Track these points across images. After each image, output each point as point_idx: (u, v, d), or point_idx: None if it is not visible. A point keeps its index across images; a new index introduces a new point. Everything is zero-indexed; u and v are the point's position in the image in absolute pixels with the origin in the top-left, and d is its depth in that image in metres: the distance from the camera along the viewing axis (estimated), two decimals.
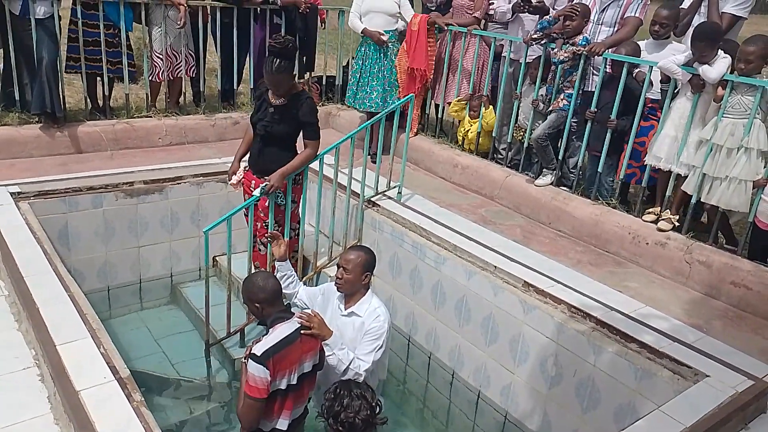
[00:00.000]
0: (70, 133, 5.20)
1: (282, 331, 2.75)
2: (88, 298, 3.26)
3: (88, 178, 4.56)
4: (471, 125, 5.44)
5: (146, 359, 4.01)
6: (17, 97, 5.12)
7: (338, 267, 3.19)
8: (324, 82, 7.01)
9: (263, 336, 2.77)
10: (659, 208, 4.21)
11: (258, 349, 2.64)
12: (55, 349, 2.68)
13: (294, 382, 2.78)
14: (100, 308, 3.68)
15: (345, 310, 3.20)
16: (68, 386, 2.48)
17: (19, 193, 4.19)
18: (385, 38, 5.49)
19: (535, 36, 4.71)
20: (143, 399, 2.52)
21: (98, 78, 5.51)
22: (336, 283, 3.20)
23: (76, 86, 6.03)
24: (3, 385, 2.64)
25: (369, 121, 4.60)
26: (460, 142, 5.57)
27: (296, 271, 4.28)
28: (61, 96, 5.14)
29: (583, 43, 4.50)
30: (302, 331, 2.79)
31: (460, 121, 5.61)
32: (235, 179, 4.09)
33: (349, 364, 2.95)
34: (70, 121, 5.28)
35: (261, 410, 2.70)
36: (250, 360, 2.64)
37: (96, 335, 2.84)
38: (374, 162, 4.62)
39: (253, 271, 3.94)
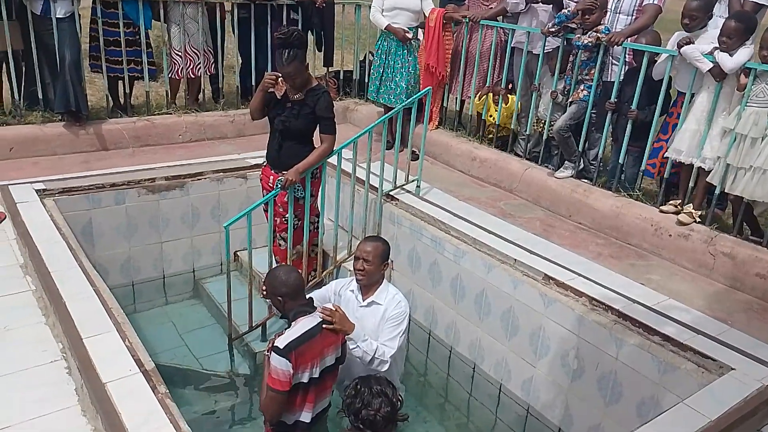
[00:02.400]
0: (93, 131, 5.27)
1: (304, 324, 2.77)
2: (113, 293, 3.31)
3: (111, 174, 4.62)
4: (496, 110, 5.40)
5: (170, 353, 4.06)
6: (40, 96, 5.21)
7: (357, 259, 3.23)
8: (341, 77, 7.01)
9: (286, 329, 2.79)
10: (680, 201, 4.16)
11: (281, 342, 2.66)
12: (82, 343, 2.73)
13: (316, 375, 2.80)
14: (125, 303, 3.73)
15: (364, 300, 3.22)
16: (95, 379, 2.52)
17: (44, 190, 4.25)
18: (409, 35, 5.47)
19: (553, 29, 4.68)
20: (168, 391, 2.56)
21: (119, 77, 5.58)
22: (357, 275, 3.23)
23: (97, 84, 6.11)
24: (31, 377, 2.69)
25: (386, 115, 4.60)
26: (488, 123, 5.51)
27: (316, 266, 4.34)
28: (85, 94, 5.21)
29: (605, 32, 4.46)
30: (324, 326, 2.81)
31: (484, 108, 5.56)
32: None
33: (374, 354, 2.97)
34: (92, 119, 5.35)
35: (283, 402, 2.72)
36: (272, 353, 2.66)
37: (121, 329, 2.88)
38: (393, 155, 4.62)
39: (273, 265, 3.97)
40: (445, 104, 5.93)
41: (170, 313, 4.70)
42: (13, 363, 2.76)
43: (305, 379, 2.76)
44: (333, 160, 4.09)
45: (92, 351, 2.68)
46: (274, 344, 2.68)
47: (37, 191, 4.21)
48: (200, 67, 5.84)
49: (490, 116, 5.47)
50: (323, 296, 3.35)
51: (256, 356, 4.04)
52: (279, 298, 2.86)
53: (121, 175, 4.64)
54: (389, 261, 3.30)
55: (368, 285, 3.24)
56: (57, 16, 4.92)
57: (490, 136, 5.55)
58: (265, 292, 3.02)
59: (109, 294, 3.24)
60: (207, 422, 3.53)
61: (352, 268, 4.40)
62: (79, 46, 5.14)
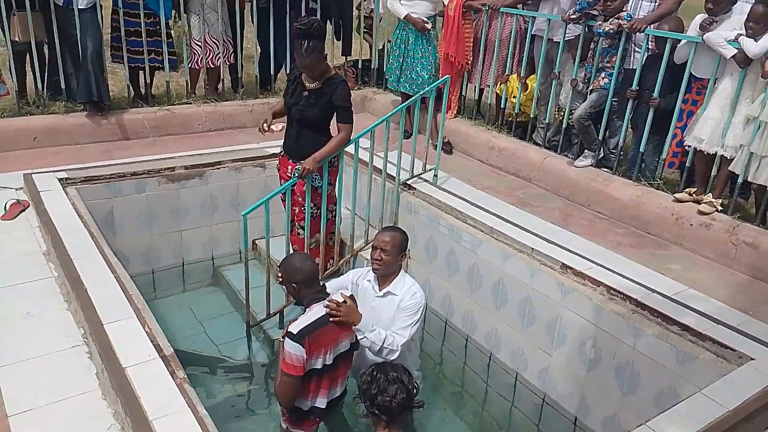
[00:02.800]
0: (114, 121, 5.34)
1: (318, 311, 2.78)
2: (134, 281, 3.37)
3: (132, 164, 4.68)
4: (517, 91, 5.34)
5: (189, 339, 4.11)
6: (63, 86, 5.28)
7: (374, 249, 3.19)
8: (360, 66, 7.00)
9: (300, 315, 2.82)
10: (697, 189, 4.09)
11: (294, 328, 2.69)
12: (103, 328, 2.78)
13: (330, 362, 2.82)
14: (145, 290, 3.78)
15: (380, 291, 3.22)
16: (115, 363, 2.57)
17: (66, 179, 4.32)
18: (429, 26, 5.43)
19: (574, 16, 4.62)
20: (186, 376, 2.60)
21: (140, 67, 5.64)
22: (374, 264, 3.21)
23: (119, 75, 6.18)
24: (54, 362, 2.75)
25: (404, 104, 4.59)
26: (512, 104, 5.46)
27: (334, 255, 4.35)
28: (106, 84, 5.28)
29: (627, 18, 4.39)
30: (330, 320, 2.77)
31: (504, 92, 5.51)
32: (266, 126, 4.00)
33: (383, 343, 2.95)
34: (114, 109, 5.42)
35: (297, 388, 2.75)
36: (286, 338, 2.69)
37: (141, 315, 2.93)
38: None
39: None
40: (463, 93, 5.89)
41: (189, 300, 4.76)
42: (36, 348, 2.82)
43: (319, 366, 2.78)
44: (350, 149, 4.09)
45: (113, 336, 2.73)
46: (288, 330, 2.70)
47: (60, 180, 4.29)
48: (220, 57, 5.87)
49: (513, 97, 5.39)
50: (340, 285, 3.35)
51: (273, 343, 4.08)
52: (294, 285, 2.88)
53: (142, 164, 4.69)
54: (407, 252, 3.27)
55: (385, 275, 3.22)
56: (79, 7, 4.98)
57: (509, 119, 5.48)
58: (280, 279, 3.04)
59: (130, 281, 3.30)
60: (225, 407, 3.58)
61: (369, 258, 4.43)
62: (101, 36, 5.21)
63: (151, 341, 2.74)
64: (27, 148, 4.98)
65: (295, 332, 2.67)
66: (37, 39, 5.11)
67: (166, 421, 2.29)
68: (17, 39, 5.05)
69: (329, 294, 2.92)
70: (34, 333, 2.93)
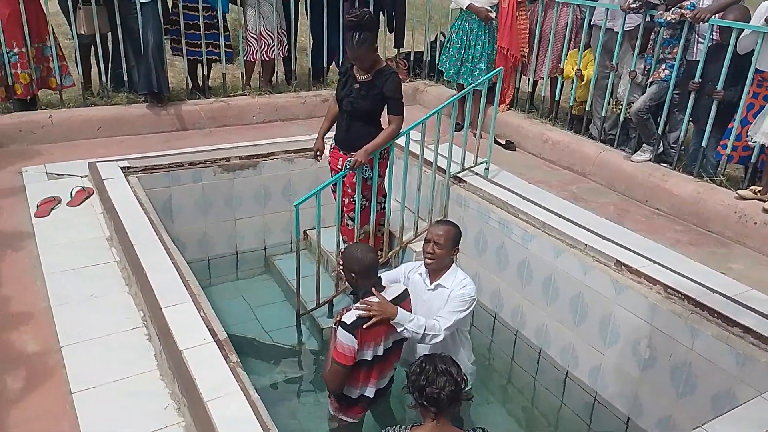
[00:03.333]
0: (173, 112, 5.51)
1: None
2: (190, 267, 3.47)
3: (189, 153, 4.82)
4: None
5: (241, 326, 4.21)
6: (125, 78, 5.47)
7: (427, 242, 3.15)
8: (412, 58, 6.98)
9: (352, 305, 2.85)
10: (761, 187, 3.91)
11: (348, 318, 2.72)
12: (161, 312, 2.88)
13: (380, 353, 2.84)
14: (201, 276, 3.89)
15: (431, 284, 3.20)
16: (172, 346, 2.66)
17: (128, 167, 4.49)
18: (492, 15, 5.37)
19: (634, 5, 4.48)
20: (239, 360, 2.67)
21: (198, 60, 5.79)
22: (426, 258, 3.17)
23: (177, 67, 6.36)
24: (115, 342, 2.87)
25: (456, 96, 4.55)
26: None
27: (383, 246, 4.37)
28: (166, 77, 5.44)
29: (691, 8, 4.23)
30: (364, 326, 2.74)
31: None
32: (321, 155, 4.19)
33: (424, 330, 2.90)
34: (173, 100, 5.59)
35: (346, 376, 2.79)
36: (339, 327, 2.72)
37: (197, 300, 3.02)
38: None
39: (341, 245, 4.05)
40: (517, 86, 5.81)
41: (242, 288, 4.88)
42: (99, 328, 2.95)
43: (368, 357, 2.80)
44: (401, 141, 4.09)
45: (170, 320, 2.82)
46: (342, 319, 2.73)
47: (122, 169, 4.45)
48: (274, 50, 5.96)
49: (570, 80, 5.28)
50: (394, 278, 3.33)
51: (323, 332, 4.15)
52: (352, 274, 2.91)
53: (199, 154, 4.83)
54: (458, 248, 3.23)
55: (437, 269, 3.18)
56: (141, 1, 5.14)
57: (565, 111, 5.36)
58: (341, 265, 3.06)
59: (187, 267, 3.40)
60: (274, 392, 3.66)
61: (417, 250, 4.43)
62: (162, 29, 5.37)
63: (206, 326, 2.82)
64: (92, 137, 5.19)
65: (348, 322, 2.70)
66: (101, 32, 5.31)
67: (220, 402, 2.37)
68: (83, 32, 5.27)
69: (385, 287, 2.92)
70: (97, 314, 3.06)
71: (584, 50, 5.20)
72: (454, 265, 3.24)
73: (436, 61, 6.36)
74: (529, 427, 3.77)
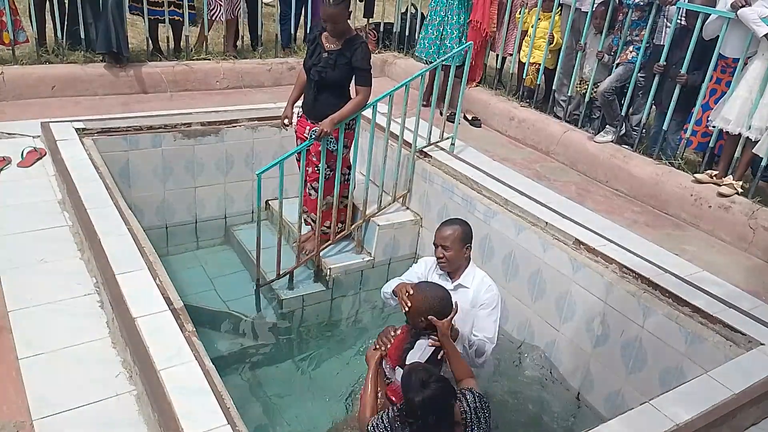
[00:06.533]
0: (133, 74, 5.32)
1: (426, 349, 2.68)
2: (147, 234, 3.38)
3: (149, 117, 4.67)
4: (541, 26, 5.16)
5: (199, 295, 4.16)
6: (82, 36, 5.25)
7: (436, 247, 3.00)
8: (381, 29, 6.88)
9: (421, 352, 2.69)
10: (718, 171, 4.01)
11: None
12: (114, 279, 2.80)
13: None
14: (158, 244, 3.82)
15: (452, 284, 3.03)
16: (125, 313, 2.59)
17: (83, 129, 4.32)
18: None
19: None
20: (194, 330, 2.63)
21: (159, 20, 5.59)
22: (439, 263, 3.03)
23: (138, 27, 6.13)
24: (66, 308, 2.79)
25: (423, 69, 4.50)
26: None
27: (345, 218, 4.33)
28: (126, 36, 5.24)
29: None
30: (439, 356, 2.64)
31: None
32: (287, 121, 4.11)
33: (475, 347, 2.89)
34: (132, 61, 5.39)
35: None
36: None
37: (152, 267, 2.95)
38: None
39: (302, 214, 3.99)
40: (485, 61, 5.78)
41: (201, 257, 4.81)
42: (49, 293, 2.86)
43: None
44: (368, 113, 4.04)
45: (124, 287, 2.75)
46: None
47: (77, 130, 4.28)
48: (239, 8, 5.82)
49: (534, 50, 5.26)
50: (413, 278, 3.14)
51: (282, 303, 4.12)
52: (422, 318, 2.64)
53: (159, 118, 4.68)
54: (470, 244, 3.03)
55: (454, 269, 3.05)
56: None
57: (530, 77, 5.35)
58: (409, 306, 2.68)
59: (143, 234, 3.31)
60: (230, 361, 3.63)
61: (381, 223, 4.41)
62: None
63: (162, 294, 2.76)
64: (46, 96, 4.98)
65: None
66: None
67: (174, 371, 2.32)
68: None
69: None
70: (47, 279, 2.96)
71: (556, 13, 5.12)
72: (471, 262, 3.09)
73: (406, 34, 6.26)
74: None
